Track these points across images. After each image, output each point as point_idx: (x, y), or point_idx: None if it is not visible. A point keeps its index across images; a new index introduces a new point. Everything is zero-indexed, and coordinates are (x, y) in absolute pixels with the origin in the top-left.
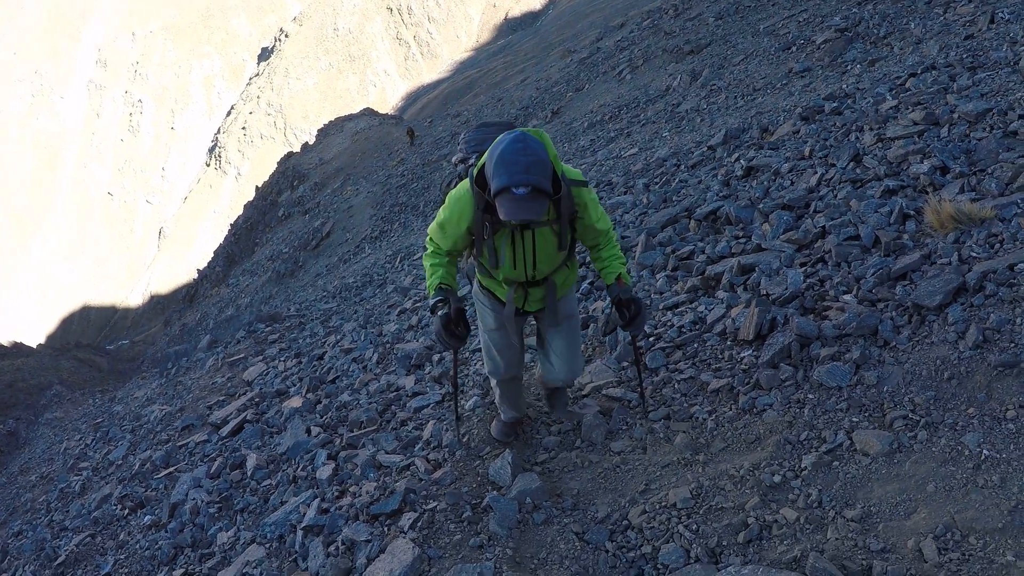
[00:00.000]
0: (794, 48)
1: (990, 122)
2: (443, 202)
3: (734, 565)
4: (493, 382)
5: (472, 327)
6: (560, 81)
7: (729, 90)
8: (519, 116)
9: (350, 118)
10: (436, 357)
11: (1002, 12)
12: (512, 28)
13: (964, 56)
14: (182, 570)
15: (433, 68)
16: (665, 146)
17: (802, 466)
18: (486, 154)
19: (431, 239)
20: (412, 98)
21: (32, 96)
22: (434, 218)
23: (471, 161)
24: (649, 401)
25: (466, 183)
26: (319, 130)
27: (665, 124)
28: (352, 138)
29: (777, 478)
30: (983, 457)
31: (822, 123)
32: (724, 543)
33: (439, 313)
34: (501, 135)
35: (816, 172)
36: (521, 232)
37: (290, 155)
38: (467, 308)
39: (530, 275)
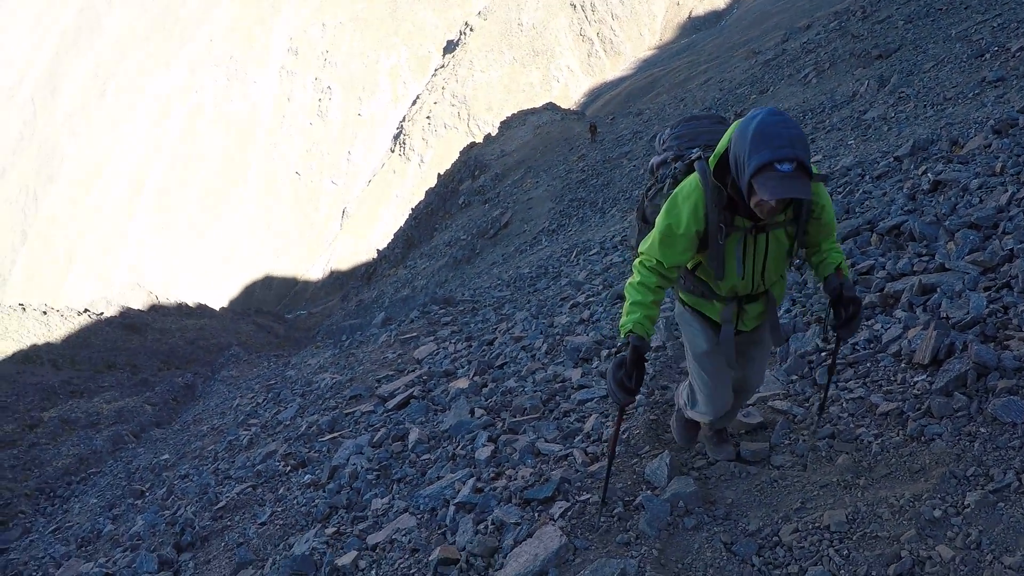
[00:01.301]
0: (987, 55)
1: None
2: (643, 212)
3: None
4: (695, 415)
5: (645, 385)
6: (744, 83)
7: (918, 98)
8: None
9: (532, 112)
10: (604, 352)
11: None
12: (695, 27)
13: None
14: (334, 528)
15: (616, 65)
16: (850, 154)
17: (965, 503)
18: (727, 140)
19: (646, 258)
20: (594, 94)
21: (227, 80)
22: (648, 235)
23: (691, 156)
24: (825, 416)
25: (694, 179)
26: (502, 122)
27: (851, 132)
28: (534, 131)
29: (938, 513)
30: None
31: (1016, 138)
32: (873, 573)
33: (617, 355)
34: (749, 114)
35: (1007, 190)
36: (755, 235)
37: (472, 145)
38: (650, 362)
39: (756, 285)
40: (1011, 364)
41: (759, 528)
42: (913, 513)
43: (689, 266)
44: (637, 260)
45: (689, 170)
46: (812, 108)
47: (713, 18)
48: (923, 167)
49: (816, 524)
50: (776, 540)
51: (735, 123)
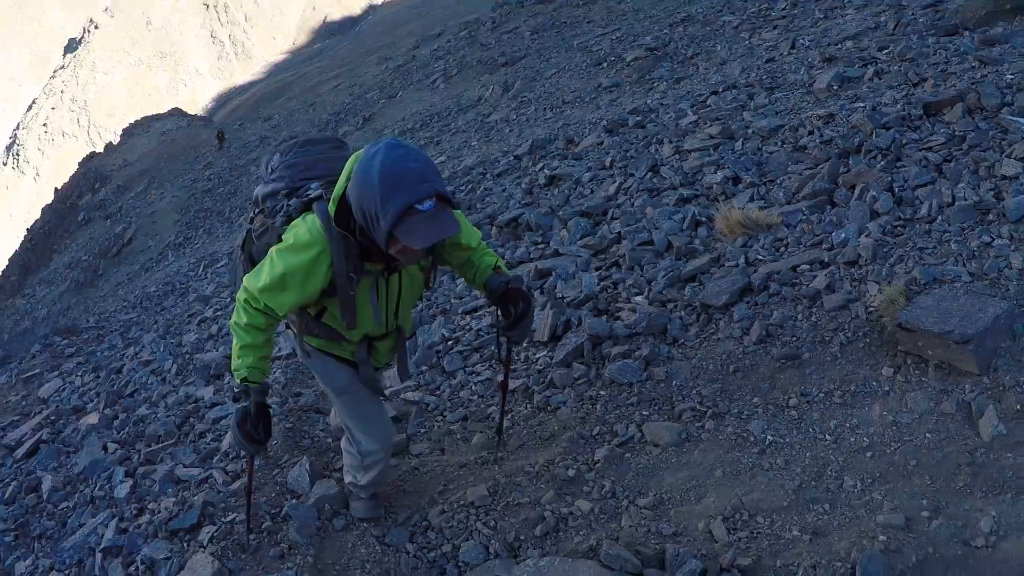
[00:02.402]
0: (605, 64)
1: (782, 137)
2: (250, 252)
3: (532, 558)
4: (370, 460)
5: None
6: (374, 88)
7: (539, 102)
8: (331, 121)
9: (158, 118)
10: None
11: (803, 39)
12: (330, 32)
13: (764, 77)
14: None
15: (247, 69)
16: (473, 155)
17: (595, 459)
18: (344, 181)
19: (254, 300)
20: (223, 99)
21: None
22: (259, 273)
23: (310, 193)
24: (506, 434)
25: (315, 225)
26: (124, 130)
27: (475, 134)
28: (159, 139)
29: (572, 472)
30: (768, 442)
31: (625, 136)
32: (522, 537)
33: (237, 406)
34: (366, 154)
35: (616, 181)
36: (387, 277)
37: (92, 155)
38: (272, 404)
39: (391, 326)
40: (622, 332)
41: (408, 516)
42: (549, 476)
43: (312, 313)
44: (243, 297)
45: (305, 208)
46: (439, 112)
47: (348, 24)
48: (540, 164)
49: (461, 502)
50: (426, 524)
51: (351, 159)
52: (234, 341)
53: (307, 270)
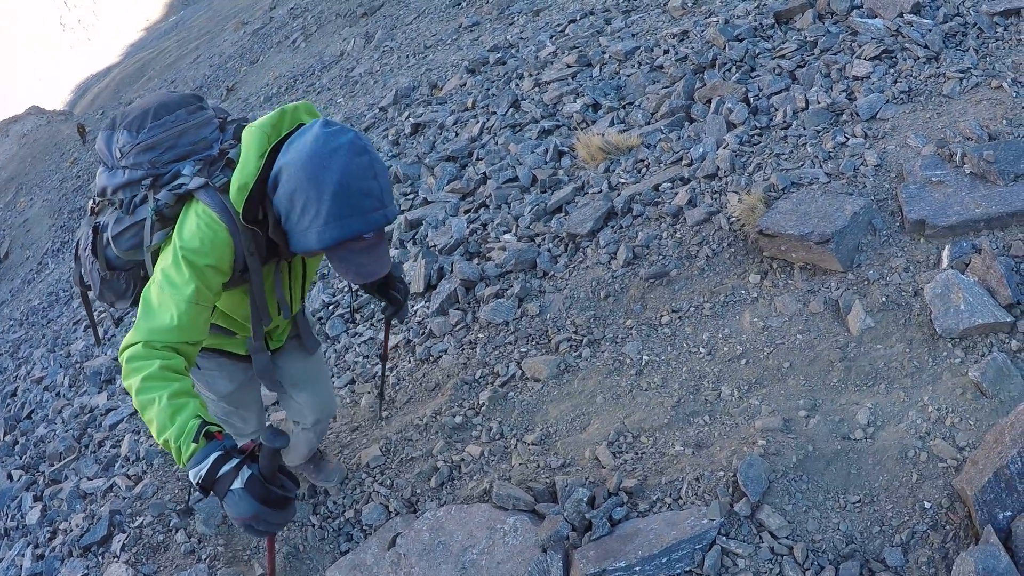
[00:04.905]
0: (464, 4)
1: (638, 59)
2: (107, 258)
3: (430, 510)
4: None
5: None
6: (234, 56)
7: (401, 50)
8: None
9: (15, 120)
10: None
11: None
12: (184, 3)
13: (621, 1)
14: None
15: (102, 54)
16: (339, 111)
17: (480, 403)
18: (257, 167)
19: (142, 345)
20: (81, 90)
21: None
22: (157, 310)
23: (186, 184)
24: (386, 405)
25: (212, 222)
26: None
27: (340, 90)
28: (19, 142)
29: (459, 419)
30: (644, 363)
31: (486, 74)
32: (418, 491)
33: (240, 479)
34: (318, 140)
35: (479, 121)
36: (289, 260)
37: None
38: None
39: (296, 309)
40: (493, 272)
41: (309, 489)
42: (438, 426)
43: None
44: (137, 349)
45: (180, 201)
46: (302, 72)
47: None
48: (406, 113)
49: (356, 466)
50: (325, 494)
51: (260, 128)
52: (149, 402)
53: (215, 278)
